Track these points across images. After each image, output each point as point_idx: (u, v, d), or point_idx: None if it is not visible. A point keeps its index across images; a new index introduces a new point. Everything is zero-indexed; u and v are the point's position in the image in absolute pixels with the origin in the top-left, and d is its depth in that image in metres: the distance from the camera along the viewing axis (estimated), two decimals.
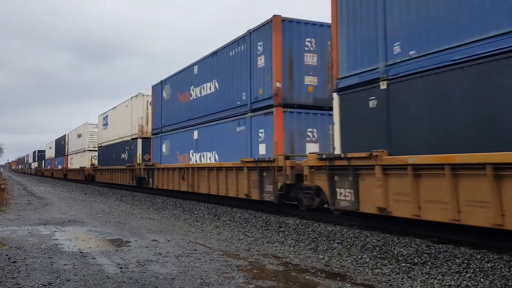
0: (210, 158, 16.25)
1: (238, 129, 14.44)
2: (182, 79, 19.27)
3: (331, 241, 8.43)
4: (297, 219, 11.07)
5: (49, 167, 64.58)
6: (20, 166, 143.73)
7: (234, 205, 15.14)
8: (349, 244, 8.06)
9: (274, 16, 12.66)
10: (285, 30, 12.57)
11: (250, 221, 11.40)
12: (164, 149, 20.93)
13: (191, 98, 18.20)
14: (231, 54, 15.06)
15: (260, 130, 13.15)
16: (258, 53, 13.37)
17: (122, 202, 18.49)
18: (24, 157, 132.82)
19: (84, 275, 5.71)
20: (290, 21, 12.69)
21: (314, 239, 8.70)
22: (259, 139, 13.21)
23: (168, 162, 20.11)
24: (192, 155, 17.75)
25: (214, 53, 16.26)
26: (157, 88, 22.25)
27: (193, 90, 18.06)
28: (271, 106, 12.59)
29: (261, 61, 13.23)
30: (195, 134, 17.56)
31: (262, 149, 13.07)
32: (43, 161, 75.07)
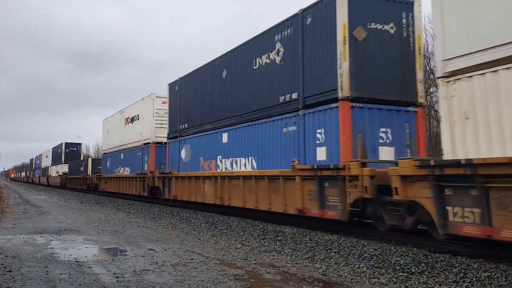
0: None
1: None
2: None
3: (328, 250, 8.41)
4: (294, 228, 11.05)
5: (124, 170, 27.07)
6: (22, 173, 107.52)
7: (231, 214, 15.10)
8: (346, 253, 8.05)
9: None
10: None
11: (247, 230, 11.37)
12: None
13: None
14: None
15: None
16: None
17: (118, 210, 18.43)
18: (31, 160, 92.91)
19: (80, 284, 5.68)
20: None
21: (311, 248, 8.69)
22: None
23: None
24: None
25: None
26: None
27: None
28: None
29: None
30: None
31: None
32: (85, 162, 40.79)
